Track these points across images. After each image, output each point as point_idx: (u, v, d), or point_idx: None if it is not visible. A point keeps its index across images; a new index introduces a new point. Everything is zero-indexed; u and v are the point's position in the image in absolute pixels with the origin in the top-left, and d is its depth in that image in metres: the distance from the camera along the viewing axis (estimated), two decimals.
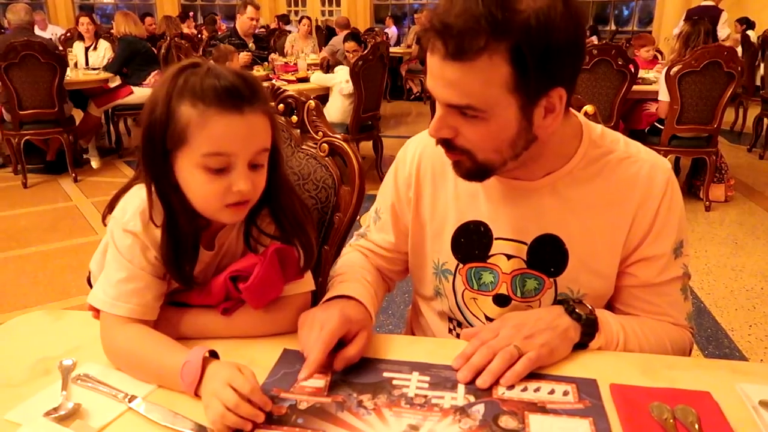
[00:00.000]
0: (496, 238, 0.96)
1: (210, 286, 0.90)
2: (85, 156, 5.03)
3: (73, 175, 4.47)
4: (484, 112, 0.78)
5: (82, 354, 0.85)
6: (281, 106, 1.31)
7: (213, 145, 0.79)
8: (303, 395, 0.77)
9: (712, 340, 2.38)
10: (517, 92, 0.76)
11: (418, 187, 1.03)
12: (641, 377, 0.80)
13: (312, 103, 1.31)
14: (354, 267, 1.06)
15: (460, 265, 0.99)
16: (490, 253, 0.96)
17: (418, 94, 8.62)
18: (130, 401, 0.74)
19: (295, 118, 1.31)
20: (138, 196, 0.85)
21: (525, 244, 0.94)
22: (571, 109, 0.92)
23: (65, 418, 0.71)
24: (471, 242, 0.98)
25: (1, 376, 0.81)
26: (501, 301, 0.98)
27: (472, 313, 1.01)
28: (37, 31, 5.60)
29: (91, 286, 1.22)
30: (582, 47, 0.80)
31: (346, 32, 5.62)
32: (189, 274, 0.86)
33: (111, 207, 0.88)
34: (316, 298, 0.99)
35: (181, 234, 0.84)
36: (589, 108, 1.17)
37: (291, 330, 0.90)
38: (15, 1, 6.66)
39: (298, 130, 1.31)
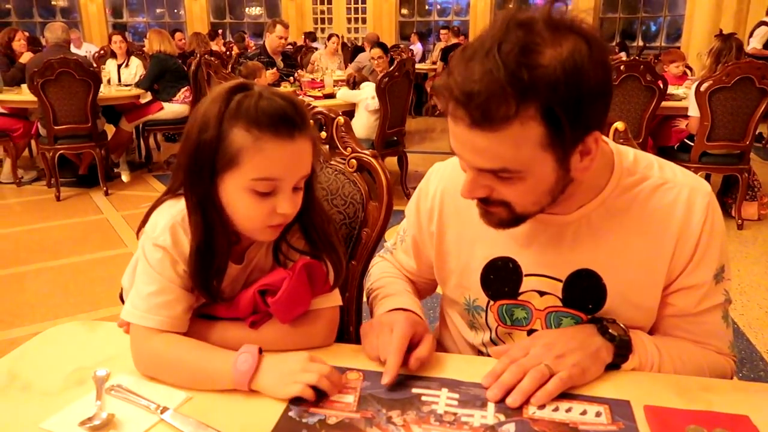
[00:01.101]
0: (527, 275, 0.93)
1: (238, 299, 0.91)
2: (116, 170, 5.14)
3: (105, 188, 4.57)
4: (520, 172, 0.75)
5: (115, 365, 0.86)
6: (311, 122, 1.33)
7: (264, 171, 0.80)
8: (332, 410, 0.77)
9: (746, 362, 2.31)
10: (552, 148, 0.73)
11: (442, 222, 1.01)
12: (676, 399, 0.78)
13: (341, 119, 1.32)
14: (395, 280, 1.07)
15: (491, 302, 0.97)
16: (521, 290, 0.94)
17: (442, 110, 8.63)
18: (162, 412, 0.75)
19: (324, 134, 1.32)
20: (168, 211, 0.87)
21: (559, 281, 0.91)
22: (601, 136, 0.90)
23: (99, 428, 0.72)
24: (500, 279, 0.95)
25: (36, 386, 0.83)
26: None
27: None
28: (73, 49, 5.77)
29: (123, 302, 1.25)
30: (610, 84, 0.75)
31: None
32: (216, 288, 0.87)
33: (144, 222, 0.90)
34: (343, 313, 1.00)
35: (216, 251, 0.85)
36: (619, 125, 1.16)
37: (318, 344, 0.91)
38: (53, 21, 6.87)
39: (327, 146, 1.33)
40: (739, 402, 0.77)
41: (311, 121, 0.87)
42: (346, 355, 0.88)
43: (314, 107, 1.35)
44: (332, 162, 1.32)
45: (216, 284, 0.87)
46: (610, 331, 0.85)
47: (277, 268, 0.92)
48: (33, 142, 5.16)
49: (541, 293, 0.92)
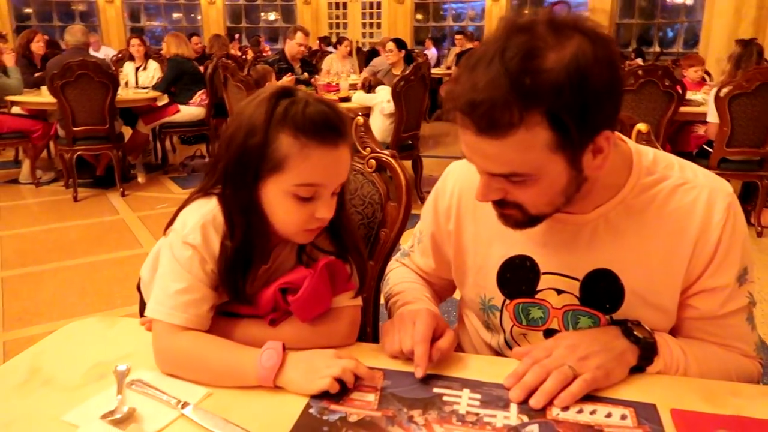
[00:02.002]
0: (544, 273, 0.92)
1: (259, 297, 0.90)
2: (132, 171, 5.19)
3: (121, 189, 4.61)
4: (531, 175, 0.75)
5: (135, 360, 0.86)
6: (351, 129, 1.33)
7: (308, 177, 0.82)
8: (353, 408, 0.76)
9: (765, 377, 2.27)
10: (561, 150, 0.73)
11: (459, 221, 1.00)
12: (703, 403, 0.76)
13: (360, 119, 1.32)
14: (414, 285, 1.07)
15: (507, 301, 0.96)
16: (538, 288, 0.93)
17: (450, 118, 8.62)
18: (182, 407, 0.75)
19: None
20: (199, 210, 0.87)
21: (577, 280, 0.90)
22: (620, 135, 0.88)
23: (121, 421, 0.72)
24: (517, 277, 0.94)
25: (57, 380, 0.83)
26: (552, 336, 0.94)
27: None
28: (91, 52, 5.85)
29: (140, 292, 1.25)
30: (619, 82, 0.74)
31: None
32: (243, 289, 0.88)
33: (173, 220, 0.90)
34: (367, 314, 1.00)
35: (254, 252, 0.86)
36: (642, 126, 1.14)
37: (339, 342, 0.90)
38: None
39: None
40: None
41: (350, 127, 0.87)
42: (367, 354, 0.87)
43: None
44: (351, 162, 1.31)
45: (242, 284, 0.87)
46: (635, 333, 0.83)
47: (298, 267, 0.91)
48: (51, 144, 5.22)
49: (559, 291, 0.92)
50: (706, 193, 0.85)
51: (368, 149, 1.30)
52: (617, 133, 0.86)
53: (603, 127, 0.74)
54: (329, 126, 0.82)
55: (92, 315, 2.68)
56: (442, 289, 1.15)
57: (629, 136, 1.11)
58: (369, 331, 1.28)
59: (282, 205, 0.84)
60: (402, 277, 1.12)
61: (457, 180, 1.02)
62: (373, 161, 1.29)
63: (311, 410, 0.76)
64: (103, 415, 0.73)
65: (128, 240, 3.69)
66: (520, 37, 0.69)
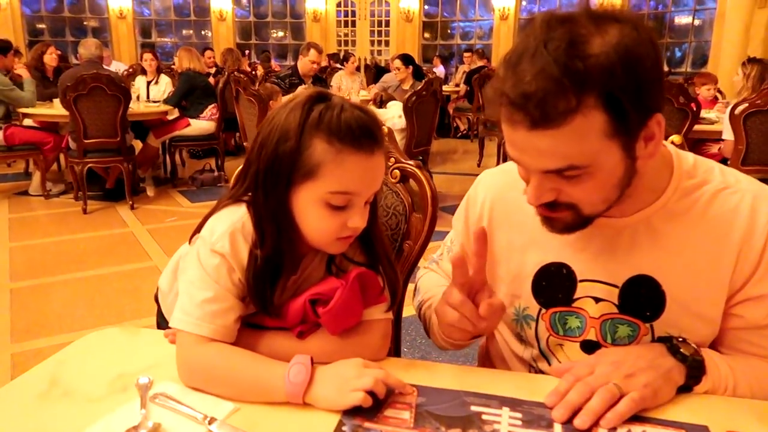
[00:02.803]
0: (582, 280, 0.89)
1: (287, 308, 0.87)
2: (141, 185, 5.18)
3: (130, 202, 4.60)
4: (587, 167, 0.72)
5: (157, 372, 0.83)
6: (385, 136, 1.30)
7: (342, 185, 0.79)
8: (388, 426, 0.72)
9: None
10: (617, 135, 0.71)
11: (491, 230, 0.98)
12: (758, 426, 0.73)
13: (385, 128, 1.29)
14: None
15: (543, 310, 0.93)
16: (576, 296, 0.90)
17: (464, 132, 8.63)
18: (209, 423, 0.71)
19: None
20: (228, 217, 0.85)
21: (616, 287, 0.87)
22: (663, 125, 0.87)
23: None
24: (553, 285, 0.91)
25: (79, 391, 0.80)
26: (589, 347, 0.91)
27: (558, 360, 0.94)
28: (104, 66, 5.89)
29: (158, 303, 1.22)
30: (662, 66, 0.75)
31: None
32: (271, 300, 0.84)
33: (200, 227, 0.87)
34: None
35: (282, 260, 0.83)
36: (676, 138, 1.12)
37: (370, 356, 0.86)
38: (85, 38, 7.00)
39: None
40: None
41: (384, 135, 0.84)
42: (399, 369, 0.84)
43: None
44: None
45: (271, 295, 0.84)
46: (681, 350, 0.80)
47: (328, 277, 0.88)
48: (61, 156, 5.23)
49: (597, 300, 0.88)
50: (749, 197, 0.83)
51: (392, 159, 1.28)
52: None
53: (655, 108, 0.73)
54: (365, 132, 0.79)
55: (102, 327, 2.65)
56: None
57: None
58: (391, 346, 1.24)
59: (314, 213, 0.81)
60: (432, 282, 1.10)
61: (489, 189, 1.00)
62: (397, 171, 1.26)
63: (344, 428, 0.72)
64: (127, 430, 0.69)
65: (137, 253, 3.66)
66: (561, 28, 0.69)
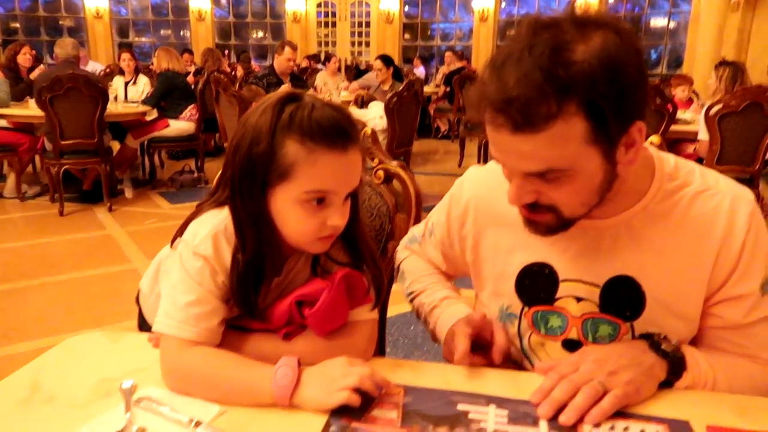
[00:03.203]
0: (563, 280, 0.90)
1: (272, 310, 0.87)
2: (119, 186, 5.11)
3: (108, 204, 4.52)
4: (567, 171, 0.74)
5: (141, 376, 0.82)
6: (361, 133, 1.31)
7: (318, 183, 0.78)
8: (376, 426, 0.72)
9: None
10: (597, 142, 0.72)
11: (478, 229, 0.99)
12: (738, 420, 0.74)
13: (368, 130, 1.30)
14: (432, 279, 1.08)
15: (526, 309, 0.94)
16: (557, 296, 0.91)
17: (445, 132, 8.67)
18: (195, 426, 0.71)
19: None
20: (210, 220, 0.84)
21: (597, 286, 0.88)
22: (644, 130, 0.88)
23: None
24: (536, 284, 0.93)
25: (61, 397, 0.78)
26: (571, 346, 0.92)
27: (539, 358, 0.96)
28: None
29: (138, 305, 1.21)
30: (645, 73, 0.75)
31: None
32: (255, 303, 0.84)
33: (182, 230, 0.87)
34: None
35: (264, 263, 0.82)
36: (654, 138, 1.14)
37: (357, 357, 0.86)
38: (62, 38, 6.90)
39: None
40: None
41: (359, 132, 0.84)
42: (385, 369, 0.84)
43: None
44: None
45: (255, 298, 0.83)
46: (662, 347, 0.81)
47: (314, 279, 0.88)
48: (37, 157, 5.14)
49: (578, 299, 0.90)
50: (728, 199, 0.84)
51: (376, 160, 1.28)
52: None
53: (636, 116, 0.74)
54: (337, 130, 0.78)
55: (80, 332, 2.60)
56: (451, 278, 1.15)
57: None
58: (376, 345, 1.24)
59: (292, 213, 0.80)
60: (417, 269, 1.12)
61: (475, 187, 1.00)
62: (381, 172, 1.27)
63: (332, 428, 0.72)
64: None
65: (116, 255, 3.61)
66: (546, 33, 0.70)
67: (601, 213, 0.85)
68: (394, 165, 1.26)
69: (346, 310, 0.86)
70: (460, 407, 0.77)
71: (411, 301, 1.10)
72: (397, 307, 1.23)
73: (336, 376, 0.76)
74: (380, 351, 1.29)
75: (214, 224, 0.83)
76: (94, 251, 3.70)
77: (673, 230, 0.85)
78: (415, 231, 1.17)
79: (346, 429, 0.72)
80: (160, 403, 0.76)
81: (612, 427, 0.72)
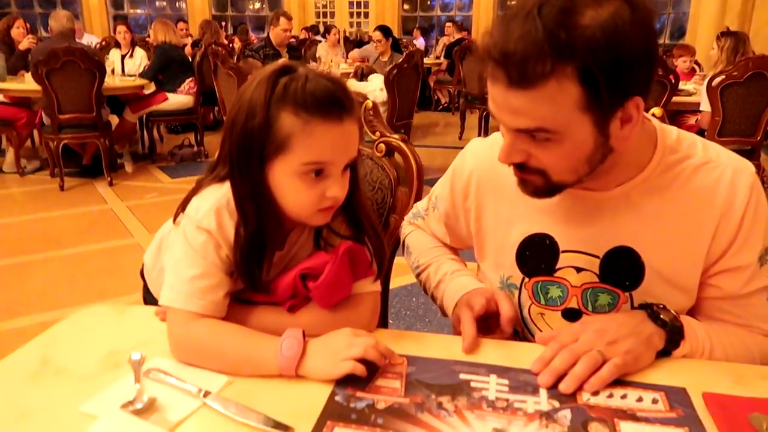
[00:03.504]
0: (564, 251, 0.91)
1: (277, 283, 0.88)
2: (119, 161, 5.10)
3: (109, 178, 4.53)
4: (557, 134, 0.74)
5: (149, 348, 0.83)
6: (357, 103, 1.30)
7: (314, 155, 0.78)
8: (380, 395, 0.74)
9: None
10: (590, 110, 0.72)
11: (480, 200, 1.00)
12: (734, 387, 0.76)
13: (369, 103, 1.29)
14: (439, 256, 1.09)
15: (526, 279, 0.96)
16: (558, 266, 0.92)
17: (445, 104, 8.61)
18: (204, 396, 0.72)
19: None
20: (212, 195, 0.85)
21: (597, 257, 0.89)
22: (644, 114, 0.88)
23: (142, 411, 0.69)
24: (536, 255, 0.94)
25: (71, 369, 0.80)
26: (571, 315, 0.94)
27: (539, 328, 0.98)
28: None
29: (143, 278, 1.22)
30: (655, 50, 0.75)
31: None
32: (259, 276, 0.85)
33: (183, 206, 0.87)
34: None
35: (267, 239, 0.83)
36: (656, 110, 1.13)
37: (360, 329, 0.88)
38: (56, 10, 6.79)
39: None
40: None
41: (357, 102, 0.84)
42: (388, 340, 0.85)
43: None
44: (360, 147, 1.29)
45: (259, 272, 0.84)
46: (661, 317, 0.83)
47: (317, 252, 0.89)
48: (35, 132, 5.11)
49: (578, 269, 0.91)
50: (729, 172, 0.85)
51: (377, 133, 1.28)
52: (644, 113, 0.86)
53: (635, 92, 0.74)
54: (332, 100, 0.78)
55: (84, 306, 2.63)
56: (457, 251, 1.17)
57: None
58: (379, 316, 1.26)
59: (291, 186, 0.81)
60: (421, 243, 1.13)
61: (477, 160, 1.01)
62: (382, 145, 1.27)
63: (337, 397, 0.74)
64: (123, 404, 0.70)
65: (118, 230, 3.63)
66: None
67: (601, 185, 0.86)
68: (395, 138, 1.26)
69: (350, 283, 0.87)
70: (462, 376, 0.78)
71: (417, 276, 1.11)
72: (399, 279, 1.25)
73: (341, 347, 0.77)
74: (383, 323, 1.31)
75: (217, 198, 0.84)
76: (95, 226, 3.72)
77: (674, 202, 0.86)
78: (419, 205, 1.18)
79: (350, 398, 0.73)
80: (169, 373, 0.77)
81: (610, 395, 0.74)
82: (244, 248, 0.82)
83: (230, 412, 0.70)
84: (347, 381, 0.76)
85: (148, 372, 0.78)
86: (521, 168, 0.82)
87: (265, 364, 0.77)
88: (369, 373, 0.77)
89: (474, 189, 1.01)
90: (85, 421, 0.69)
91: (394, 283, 1.29)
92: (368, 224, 0.91)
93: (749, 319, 0.88)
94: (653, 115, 1.12)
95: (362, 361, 0.76)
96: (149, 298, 1.17)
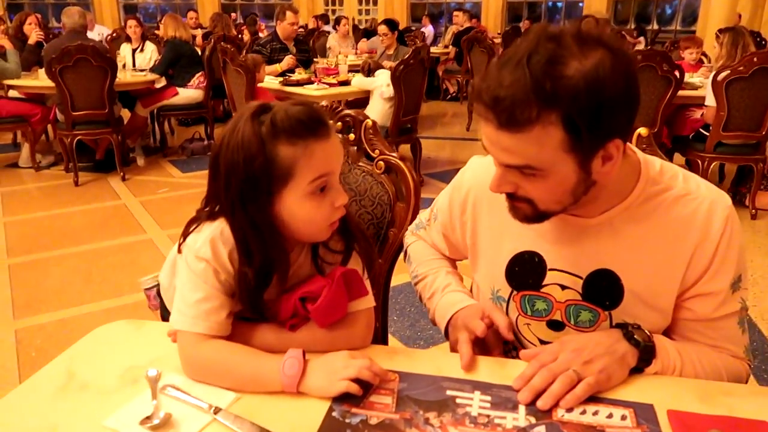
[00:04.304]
0: (551, 269, 0.98)
1: (279, 304, 0.95)
2: (131, 155, 5.20)
3: (122, 173, 4.63)
4: (542, 170, 0.81)
5: (164, 364, 0.91)
6: (339, 123, 1.37)
7: (317, 170, 0.87)
8: (373, 411, 0.82)
9: (758, 354, 2.35)
10: (573, 151, 0.79)
11: (475, 214, 1.07)
12: (698, 404, 0.82)
13: (369, 122, 1.36)
14: (438, 268, 1.17)
15: (514, 293, 1.03)
16: (544, 283, 0.99)
17: (454, 94, 8.61)
18: (215, 412, 0.80)
19: (352, 136, 1.36)
20: (207, 228, 0.92)
21: (580, 277, 0.96)
22: (630, 146, 0.93)
23: (159, 427, 0.77)
24: (525, 271, 1.01)
25: (94, 384, 0.88)
26: (555, 326, 1.01)
27: (526, 338, 1.05)
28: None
29: (160, 297, 1.30)
30: (635, 94, 0.80)
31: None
32: (264, 304, 0.92)
33: (184, 235, 0.94)
34: (376, 310, 1.05)
35: (272, 269, 0.90)
36: (642, 131, 1.19)
37: (357, 344, 0.96)
38: (69, 5, 6.86)
39: (355, 148, 1.37)
40: (758, 407, 0.81)
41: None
42: (382, 357, 0.93)
43: (342, 109, 1.39)
44: (360, 163, 1.35)
45: (264, 303, 0.92)
46: (635, 336, 0.89)
47: (315, 276, 0.96)
48: (49, 126, 5.22)
49: (563, 287, 0.98)
50: (706, 204, 0.91)
51: (377, 151, 1.34)
52: (628, 144, 0.92)
53: (614, 135, 0.80)
54: (315, 119, 0.87)
55: (101, 302, 2.74)
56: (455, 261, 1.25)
57: (630, 140, 1.16)
58: (378, 327, 1.33)
59: (303, 209, 0.88)
60: (422, 254, 1.21)
61: (475, 177, 1.08)
62: (381, 163, 1.33)
63: (334, 413, 0.81)
64: (141, 420, 0.78)
65: (131, 226, 3.73)
66: (548, 44, 0.76)
67: (586, 212, 0.93)
68: (394, 156, 1.32)
69: (346, 304, 0.94)
70: (449, 393, 0.86)
71: (415, 285, 1.20)
72: (404, 275, 1.32)
73: (338, 368, 0.85)
74: (383, 326, 1.38)
75: (212, 229, 0.91)
76: (109, 222, 3.82)
77: (653, 230, 0.92)
78: (422, 216, 1.26)
79: (346, 413, 0.81)
80: (182, 390, 0.85)
81: (583, 411, 0.81)
82: (251, 286, 0.89)
83: (238, 428, 0.78)
84: (344, 397, 0.83)
85: (163, 388, 0.86)
86: (511, 197, 0.89)
87: (269, 382, 0.85)
88: (363, 391, 0.84)
89: (471, 205, 1.07)
90: None
91: (400, 279, 1.37)
92: (356, 229, 1.00)
93: (719, 341, 0.95)
94: (639, 135, 1.18)
95: (357, 380, 0.83)
96: (167, 315, 1.25)
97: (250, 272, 0.89)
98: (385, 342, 1.41)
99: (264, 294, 0.92)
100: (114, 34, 7.59)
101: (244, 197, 0.86)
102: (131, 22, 5.70)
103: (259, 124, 0.85)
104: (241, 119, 0.87)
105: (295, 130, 0.85)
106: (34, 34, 5.14)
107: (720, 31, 3.96)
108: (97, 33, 8.14)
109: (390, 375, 0.88)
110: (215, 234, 0.91)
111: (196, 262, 0.90)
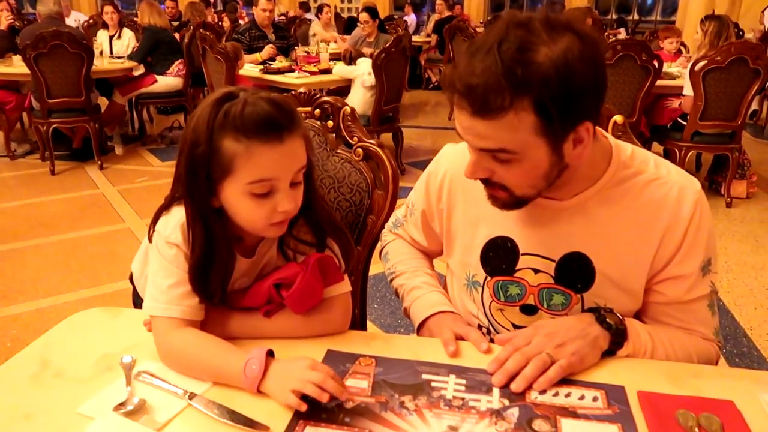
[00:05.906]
0: (523, 254, 0.99)
1: (253, 291, 0.95)
2: (109, 143, 5.12)
3: (99, 162, 4.56)
4: (516, 154, 0.82)
5: (139, 351, 0.91)
6: (317, 111, 1.36)
7: (258, 174, 0.84)
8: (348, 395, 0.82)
9: (730, 338, 2.40)
10: (545, 135, 0.80)
11: (450, 202, 1.08)
12: (667, 385, 0.84)
13: (348, 109, 1.35)
14: (415, 266, 1.18)
15: (488, 278, 1.04)
16: (517, 268, 1.00)
17: (436, 83, 8.60)
18: (190, 398, 0.80)
19: (330, 123, 1.36)
20: (177, 212, 0.91)
21: (552, 261, 0.98)
22: (601, 131, 0.95)
23: (133, 412, 0.77)
24: (499, 256, 1.02)
25: (68, 371, 0.88)
26: (528, 310, 1.02)
27: (499, 323, 1.06)
28: None
29: (133, 285, 1.29)
30: (602, 79, 0.82)
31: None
32: (216, 291, 0.91)
33: (154, 222, 0.94)
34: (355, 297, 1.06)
35: (216, 259, 0.89)
36: (618, 118, 1.21)
37: (334, 330, 0.96)
38: None
39: (334, 135, 1.36)
40: (725, 388, 0.83)
41: (300, 118, 0.88)
42: (359, 342, 0.93)
43: (320, 96, 1.38)
44: (338, 151, 1.35)
45: (214, 285, 0.90)
46: (607, 320, 0.91)
47: (290, 263, 0.96)
48: (25, 114, 5.11)
49: (536, 271, 0.99)
50: (676, 189, 0.93)
51: (355, 138, 1.34)
52: (600, 129, 0.93)
53: (584, 118, 0.82)
54: (270, 123, 0.83)
55: (78, 292, 2.71)
56: (434, 255, 1.25)
57: (606, 128, 1.17)
58: (357, 313, 1.34)
59: (242, 204, 0.87)
60: (401, 252, 1.22)
61: (449, 163, 1.09)
62: (360, 150, 1.33)
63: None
64: (115, 407, 0.78)
65: (110, 215, 3.68)
66: (518, 31, 0.77)
67: (558, 195, 0.94)
68: (372, 144, 1.32)
69: (321, 290, 0.94)
70: (424, 376, 0.87)
71: (391, 281, 1.20)
72: None
73: (292, 378, 0.79)
74: (362, 319, 1.39)
75: (181, 214, 0.90)
76: (87, 211, 3.77)
77: (624, 213, 0.94)
78: (397, 213, 1.26)
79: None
80: (157, 376, 0.85)
81: (556, 394, 0.83)
82: (192, 270, 0.89)
83: (213, 413, 0.78)
84: None
85: (138, 374, 0.85)
86: (487, 183, 0.90)
87: (233, 379, 0.83)
88: (341, 375, 0.84)
89: (446, 191, 1.08)
90: (82, 423, 0.76)
91: (381, 267, 1.36)
92: (328, 225, 0.98)
93: (690, 323, 0.97)
94: (615, 122, 1.20)
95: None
96: (138, 302, 1.24)
97: (192, 258, 0.88)
98: (363, 328, 1.41)
99: (220, 279, 0.90)
100: (91, 21, 7.43)
101: (187, 181, 0.86)
102: (108, 9, 5.58)
103: (217, 111, 0.83)
104: (206, 102, 0.86)
105: (244, 128, 0.82)
106: (3, 18, 5.01)
107: (706, 18, 3.99)
108: (74, 19, 7.96)
109: (344, 395, 0.80)
110: (183, 219, 0.90)
111: (167, 248, 0.90)
